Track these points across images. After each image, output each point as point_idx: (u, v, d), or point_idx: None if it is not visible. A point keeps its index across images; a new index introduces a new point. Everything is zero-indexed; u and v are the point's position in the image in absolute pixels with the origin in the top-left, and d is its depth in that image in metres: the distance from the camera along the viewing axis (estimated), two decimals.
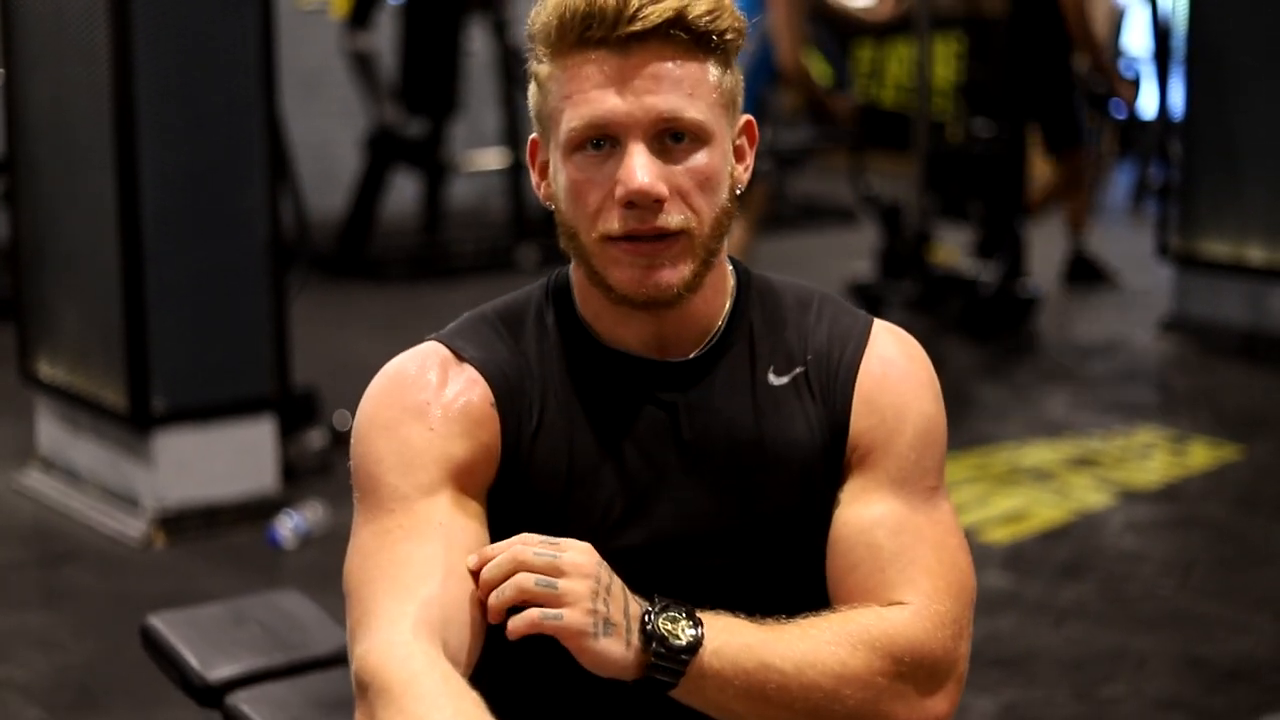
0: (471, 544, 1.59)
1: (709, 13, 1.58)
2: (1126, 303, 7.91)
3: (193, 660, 2.39)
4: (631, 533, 1.65)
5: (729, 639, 1.55)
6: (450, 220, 9.20)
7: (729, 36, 1.61)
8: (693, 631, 1.54)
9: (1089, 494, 5.05)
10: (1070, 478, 5.18)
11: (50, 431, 5.10)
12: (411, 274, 8.50)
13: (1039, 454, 5.44)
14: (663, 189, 1.58)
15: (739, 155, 1.68)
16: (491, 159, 9.58)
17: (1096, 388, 6.40)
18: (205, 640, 2.44)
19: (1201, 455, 5.47)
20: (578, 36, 1.58)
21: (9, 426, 5.58)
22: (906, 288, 7.13)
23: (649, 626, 1.53)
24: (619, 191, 1.58)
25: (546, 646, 1.54)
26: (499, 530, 1.62)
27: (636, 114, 1.58)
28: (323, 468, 5.05)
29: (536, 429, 1.66)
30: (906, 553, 1.65)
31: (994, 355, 6.82)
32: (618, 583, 1.54)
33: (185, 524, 4.65)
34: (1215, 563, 4.53)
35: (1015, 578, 4.36)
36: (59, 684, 3.76)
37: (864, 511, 1.67)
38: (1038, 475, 5.22)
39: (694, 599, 1.57)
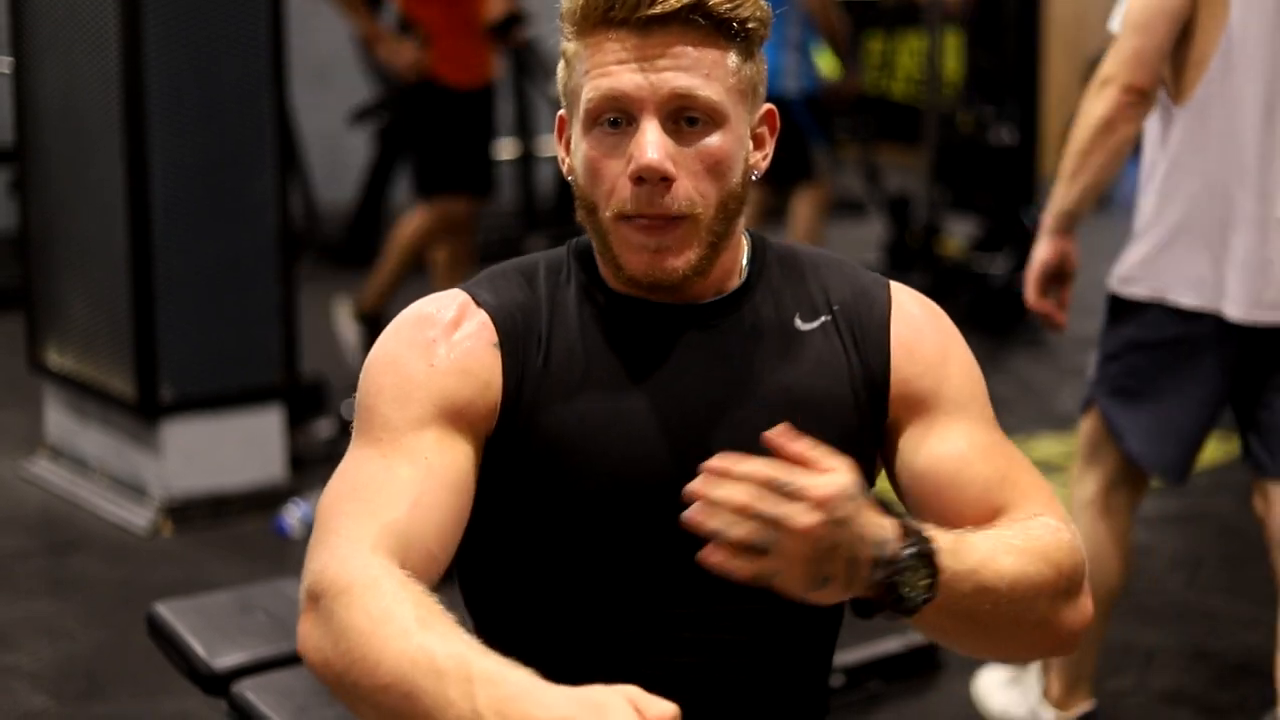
0: (452, 481, 1.60)
1: (729, 1, 1.61)
2: None
3: (199, 648, 2.39)
4: (657, 472, 1.64)
5: (956, 569, 1.53)
6: None
7: (750, 25, 1.64)
8: (929, 584, 1.51)
9: None
10: None
11: (58, 420, 5.10)
12: (420, 264, 8.48)
13: (1047, 447, 5.44)
14: (670, 167, 1.61)
15: (758, 143, 1.72)
16: (501, 149, 9.57)
17: None
18: (211, 628, 2.44)
19: (1210, 450, 5.44)
20: (601, 16, 1.62)
21: (17, 415, 5.58)
22: (915, 280, 7.11)
23: (891, 580, 1.49)
24: (630, 167, 1.62)
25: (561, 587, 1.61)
26: (508, 473, 1.64)
27: (651, 89, 1.61)
28: (330, 457, 5.04)
29: (546, 370, 1.67)
30: (1009, 475, 1.70)
31: (1002, 348, 6.81)
32: (849, 531, 1.45)
33: (192, 513, 4.66)
34: (1223, 557, 4.53)
35: None
36: (66, 672, 3.77)
37: (949, 448, 1.70)
38: (1045, 468, 5.20)
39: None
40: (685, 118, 1.62)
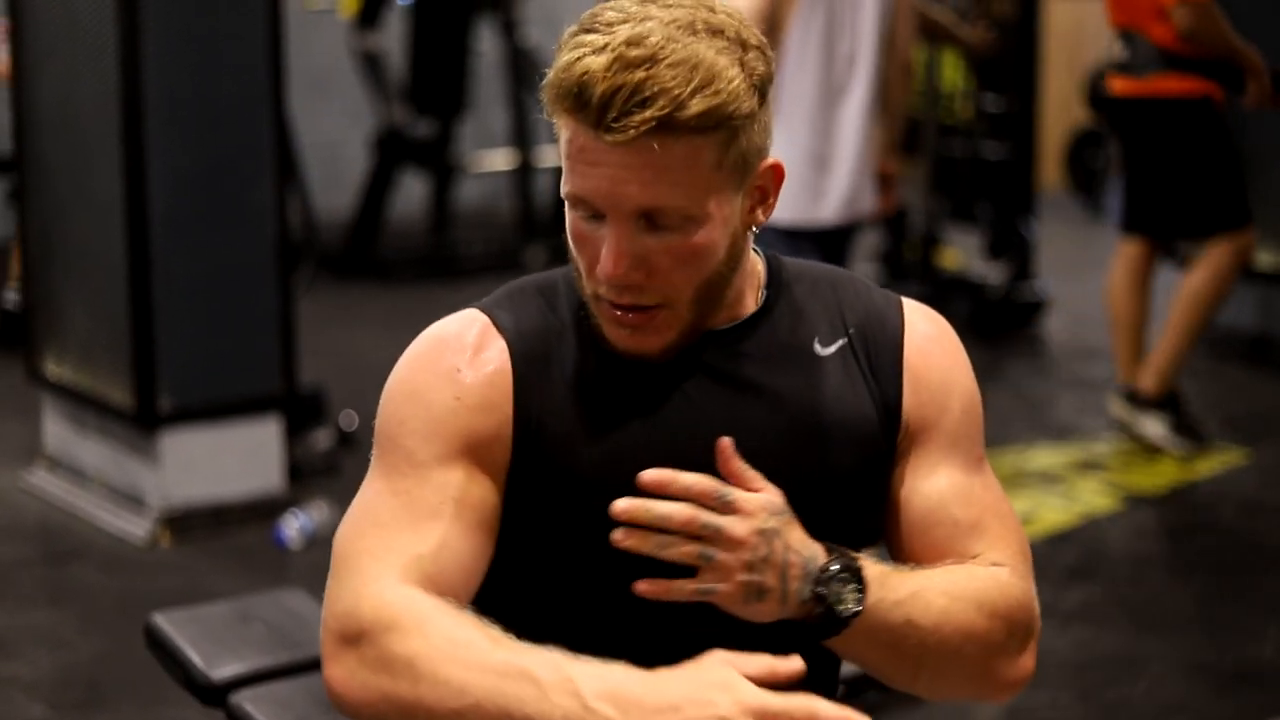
0: (479, 520, 1.60)
1: (707, 110, 1.51)
2: None
3: (197, 659, 2.39)
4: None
5: (884, 595, 1.58)
6: (458, 221, 9.19)
7: (733, 113, 1.54)
8: (858, 598, 1.57)
9: (1095, 497, 5.04)
10: (1077, 481, 5.17)
11: (56, 430, 5.10)
12: (419, 274, 8.49)
13: (1046, 457, 5.43)
14: (636, 276, 1.57)
15: (761, 196, 1.65)
16: (500, 160, 9.58)
17: (1104, 391, 6.38)
18: (210, 639, 2.44)
19: (1208, 460, 5.46)
20: (570, 108, 1.55)
21: (15, 425, 5.58)
22: (913, 290, 7.12)
23: (819, 590, 1.56)
24: (599, 267, 1.58)
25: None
26: (526, 503, 1.63)
27: (616, 200, 1.55)
28: (329, 467, 5.04)
29: (568, 398, 1.64)
30: (980, 522, 1.70)
31: (1001, 358, 6.81)
32: (779, 544, 1.54)
33: (191, 523, 4.65)
34: (1221, 567, 4.52)
35: None
36: (64, 682, 3.76)
37: (929, 486, 1.70)
38: (1044, 478, 5.21)
39: None
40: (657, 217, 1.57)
